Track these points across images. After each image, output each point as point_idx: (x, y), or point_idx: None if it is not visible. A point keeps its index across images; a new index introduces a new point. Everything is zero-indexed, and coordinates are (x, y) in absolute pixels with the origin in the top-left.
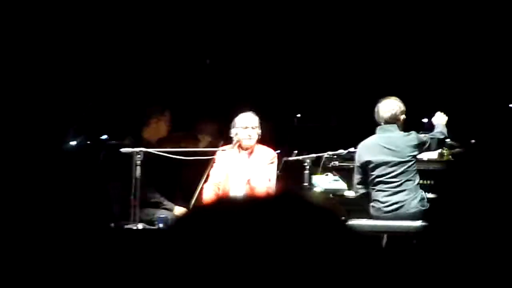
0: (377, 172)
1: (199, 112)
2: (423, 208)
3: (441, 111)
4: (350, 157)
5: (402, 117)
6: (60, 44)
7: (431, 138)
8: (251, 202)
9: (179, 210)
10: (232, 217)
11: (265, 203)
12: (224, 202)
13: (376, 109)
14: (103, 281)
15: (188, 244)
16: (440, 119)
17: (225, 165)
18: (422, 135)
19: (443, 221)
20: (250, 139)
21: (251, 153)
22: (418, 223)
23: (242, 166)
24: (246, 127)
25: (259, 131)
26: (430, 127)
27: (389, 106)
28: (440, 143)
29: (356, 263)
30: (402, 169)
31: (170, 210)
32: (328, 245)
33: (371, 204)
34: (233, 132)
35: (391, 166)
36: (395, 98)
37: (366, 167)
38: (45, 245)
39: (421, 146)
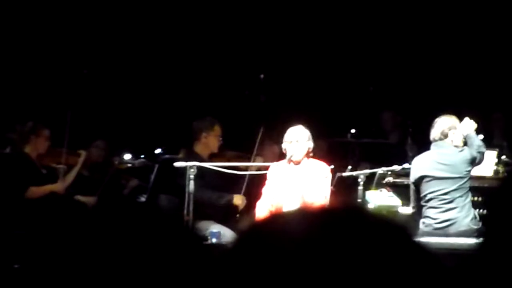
0: (430, 187)
1: (253, 130)
2: (475, 227)
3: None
4: (405, 173)
5: (452, 132)
6: (116, 61)
7: (478, 152)
8: (307, 217)
9: (238, 199)
10: (288, 233)
11: (324, 217)
12: (278, 218)
13: (431, 126)
14: None
15: (247, 264)
16: (468, 128)
17: (277, 181)
18: (472, 150)
19: (498, 239)
20: (297, 153)
21: (302, 167)
22: (471, 240)
23: (295, 180)
24: (291, 141)
25: (310, 145)
26: None
27: (440, 124)
28: (484, 156)
29: (427, 282)
30: (456, 185)
31: (230, 200)
32: (399, 265)
33: (422, 220)
34: (283, 147)
35: (445, 182)
36: (449, 116)
37: (420, 182)
38: (97, 256)
39: (474, 162)
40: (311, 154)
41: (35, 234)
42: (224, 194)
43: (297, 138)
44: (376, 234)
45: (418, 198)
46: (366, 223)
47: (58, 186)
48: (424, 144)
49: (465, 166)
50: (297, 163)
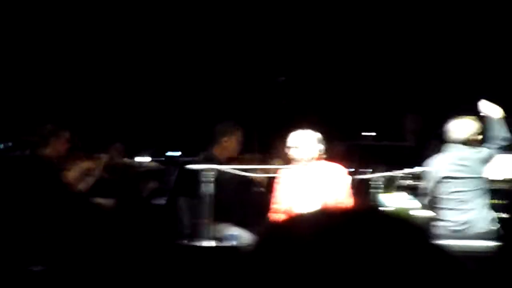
0: (448, 188)
1: (272, 132)
2: (494, 228)
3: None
4: (424, 176)
5: (480, 137)
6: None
7: (497, 148)
8: (327, 217)
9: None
10: (308, 233)
11: (344, 218)
12: (298, 219)
13: (448, 128)
14: None
15: (268, 265)
16: (493, 111)
17: (291, 187)
18: (491, 149)
19: None
20: (302, 158)
21: (315, 170)
22: (490, 243)
23: (309, 184)
24: (291, 147)
25: (320, 147)
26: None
27: (464, 126)
28: (503, 148)
29: (447, 284)
30: (473, 185)
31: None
32: (420, 266)
33: (440, 222)
34: (287, 151)
35: (463, 183)
36: (470, 117)
37: (438, 184)
38: (116, 260)
39: (490, 160)
40: (324, 156)
41: (55, 237)
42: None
43: (297, 143)
44: (395, 236)
45: (434, 200)
46: (386, 224)
47: (90, 164)
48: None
49: (483, 166)
50: (308, 166)
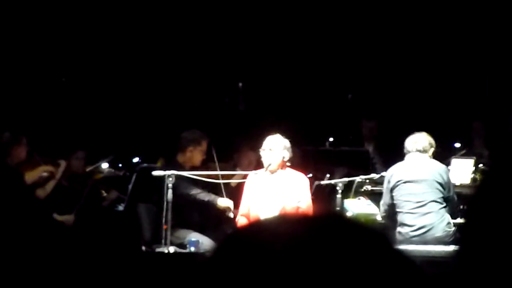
0: (404, 191)
1: (234, 140)
2: (450, 230)
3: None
4: (383, 182)
5: (432, 150)
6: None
7: (454, 196)
8: (288, 223)
9: (223, 202)
10: (269, 239)
11: (305, 223)
12: (258, 225)
13: (406, 142)
14: None
15: (228, 272)
16: None
17: (255, 191)
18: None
19: (475, 246)
20: (271, 161)
21: (279, 176)
22: (448, 248)
23: (271, 190)
24: (265, 149)
25: (286, 154)
26: None
27: (420, 139)
28: (455, 208)
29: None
30: (429, 188)
31: (214, 201)
32: (381, 271)
33: (398, 228)
34: (260, 154)
35: (418, 184)
36: (425, 133)
37: (395, 188)
38: (77, 267)
39: (446, 185)
40: (288, 164)
41: (14, 254)
42: (211, 194)
43: (271, 146)
44: (357, 241)
45: (393, 206)
46: (347, 230)
47: (49, 167)
48: (396, 153)
49: (438, 174)
50: (273, 172)
